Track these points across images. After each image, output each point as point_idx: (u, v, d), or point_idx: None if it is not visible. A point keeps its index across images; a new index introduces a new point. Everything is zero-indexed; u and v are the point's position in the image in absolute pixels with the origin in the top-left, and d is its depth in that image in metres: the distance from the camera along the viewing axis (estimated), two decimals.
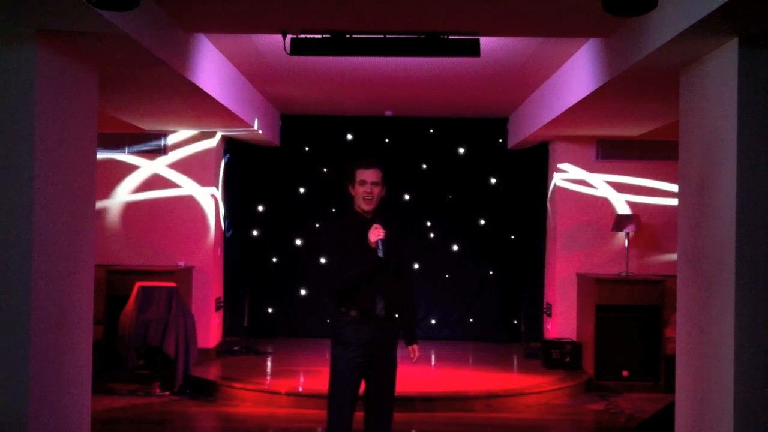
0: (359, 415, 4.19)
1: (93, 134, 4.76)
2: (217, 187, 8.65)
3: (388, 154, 9.40)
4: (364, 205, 4.14)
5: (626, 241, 8.17)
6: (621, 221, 8.08)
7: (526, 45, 5.90)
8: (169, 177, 8.46)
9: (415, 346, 4.30)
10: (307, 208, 9.59)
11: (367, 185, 4.12)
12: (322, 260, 9.11)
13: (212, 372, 7.56)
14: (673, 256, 7.55)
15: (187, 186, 8.46)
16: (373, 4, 4.43)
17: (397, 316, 4.19)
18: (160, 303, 7.04)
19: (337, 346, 4.14)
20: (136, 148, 8.43)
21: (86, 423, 4.77)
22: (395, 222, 4.24)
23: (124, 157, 8.42)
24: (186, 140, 8.46)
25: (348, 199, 4.25)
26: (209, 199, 8.50)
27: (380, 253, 3.98)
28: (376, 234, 4.00)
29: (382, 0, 4.36)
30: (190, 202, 8.47)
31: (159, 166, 8.46)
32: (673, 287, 4.91)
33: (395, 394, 4.25)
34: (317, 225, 9.28)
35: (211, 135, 8.47)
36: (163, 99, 6.24)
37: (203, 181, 8.48)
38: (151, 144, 8.44)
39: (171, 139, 8.45)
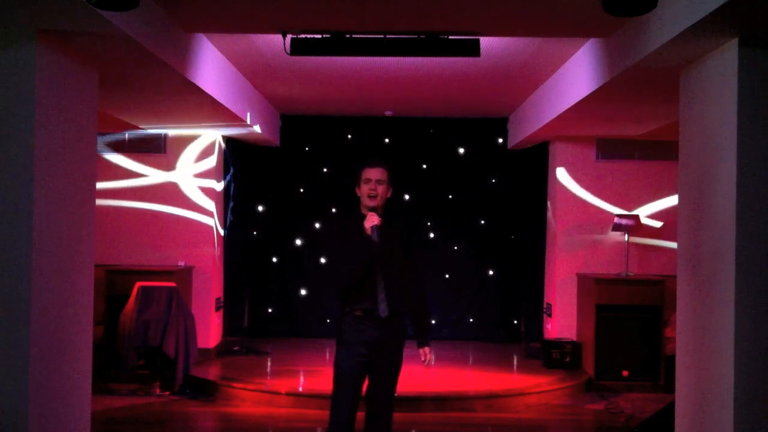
0: (361, 415, 4.18)
1: (93, 134, 4.76)
2: (217, 187, 8.65)
3: (388, 154, 9.40)
4: (368, 203, 4.12)
5: (626, 242, 8.17)
6: (621, 221, 8.08)
7: (526, 45, 5.90)
8: (169, 177, 8.46)
9: (427, 349, 4.24)
10: (307, 208, 9.59)
11: (371, 183, 4.11)
12: (322, 260, 9.13)
13: (212, 372, 7.56)
14: (673, 256, 7.55)
15: (186, 185, 8.46)
16: (373, 4, 4.43)
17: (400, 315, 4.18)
18: (160, 303, 7.04)
19: (339, 346, 4.13)
20: (136, 148, 8.43)
21: (86, 423, 4.77)
22: (401, 224, 4.22)
23: (123, 157, 8.42)
24: (186, 140, 8.45)
25: (356, 203, 4.24)
26: (209, 198, 8.50)
27: (375, 238, 3.97)
28: (371, 221, 4.00)
29: (382, 0, 4.36)
30: (190, 201, 8.46)
31: (159, 165, 8.46)
32: (673, 287, 4.91)
33: (396, 394, 4.25)
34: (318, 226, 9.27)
35: (211, 135, 8.47)
36: (163, 99, 6.24)
37: (203, 181, 8.48)
38: (151, 144, 8.43)
39: (171, 139, 8.44)
